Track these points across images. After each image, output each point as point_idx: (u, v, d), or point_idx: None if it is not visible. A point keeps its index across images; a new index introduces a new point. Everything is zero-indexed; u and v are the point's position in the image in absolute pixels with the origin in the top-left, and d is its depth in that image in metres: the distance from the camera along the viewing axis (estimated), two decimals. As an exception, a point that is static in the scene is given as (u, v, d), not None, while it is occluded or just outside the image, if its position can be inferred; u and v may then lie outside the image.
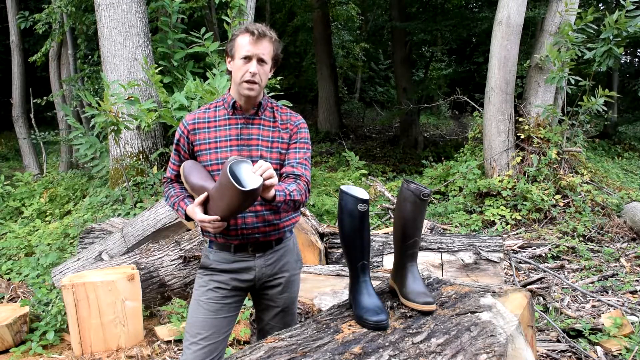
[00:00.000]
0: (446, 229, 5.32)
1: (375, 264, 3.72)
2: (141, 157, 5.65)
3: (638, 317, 3.33)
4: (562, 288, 3.99)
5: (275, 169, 1.76)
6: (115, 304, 3.00)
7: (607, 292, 3.95)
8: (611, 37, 5.66)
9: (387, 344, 1.42)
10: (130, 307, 3.05)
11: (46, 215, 6.49)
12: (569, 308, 3.64)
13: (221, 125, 1.79)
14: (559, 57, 5.91)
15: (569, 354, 2.84)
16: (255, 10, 6.58)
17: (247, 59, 1.71)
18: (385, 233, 4.16)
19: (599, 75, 6.39)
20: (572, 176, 5.94)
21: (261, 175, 1.52)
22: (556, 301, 3.71)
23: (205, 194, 1.66)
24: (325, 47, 13.20)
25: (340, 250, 3.83)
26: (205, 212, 1.67)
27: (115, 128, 4.82)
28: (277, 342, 1.50)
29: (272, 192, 1.61)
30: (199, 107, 4.00)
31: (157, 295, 3.46)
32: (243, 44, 1.71)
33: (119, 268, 3.27)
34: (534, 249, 4.77)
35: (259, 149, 1.76)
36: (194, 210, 1.69)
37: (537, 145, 6.14)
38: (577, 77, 6.13)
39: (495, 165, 6.27)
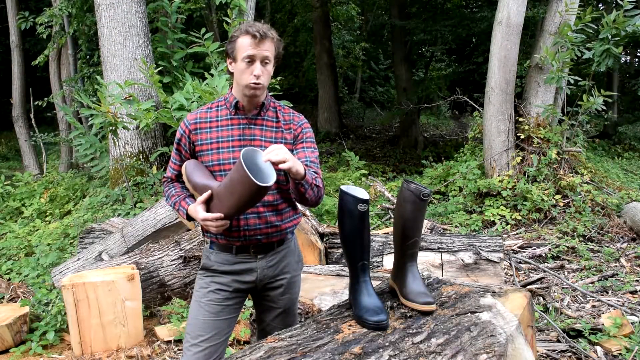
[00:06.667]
0: (446, 229, 5.31)
1: (375, 264, 3.72)
2: (141, 157, 5.65)
3: (638, 317, 3.33)
4: (562, 288, 3.99)
5: (279, 171, 1.75)
6: (115, 304, 3.00)
7: (607, 292, 3.95)
8: (609, 37, 5.66)
9: (387, 344, 1.42)
10: (130, 307, 3.05)
11: (46, 215, 6.50)
12: (569, 308, 3.64)
13: (223, 126, 1.77)
14: (556, 58, 5.91)
15: (569, 354, 2.84)
16: (255, 10, 6.58)
17: (251, 61, 1.68)
18: (385, 233, 4.15)
19: (598, 75, 6.40)
20: (572, 176, 5.94)
21: (276, 161, 1.52)
22: (556, 301, 3.71)
23: (209, 192, 1.65)
24: (326, 47, 13.19)
25: (340, 250, 3.82)
26: (208, 211, 1.67)
27: (114, 128, 4.82)
28: (277, 342, 1.50)
29: (301, 170, 1.60)
30: (198, 107, 4.00)
31: (157, 295, 3.46)
32: (245, 45, 1.68)
33: (119, 268, 3.27)
34: (534, 249, 4.77)
35: (262, 150, 1.75)
36: (196, 209, 1.68)
37: (537, 145, 6.14)
38: (577, 77, 6.13)
39: (495, 165, 6.27)
